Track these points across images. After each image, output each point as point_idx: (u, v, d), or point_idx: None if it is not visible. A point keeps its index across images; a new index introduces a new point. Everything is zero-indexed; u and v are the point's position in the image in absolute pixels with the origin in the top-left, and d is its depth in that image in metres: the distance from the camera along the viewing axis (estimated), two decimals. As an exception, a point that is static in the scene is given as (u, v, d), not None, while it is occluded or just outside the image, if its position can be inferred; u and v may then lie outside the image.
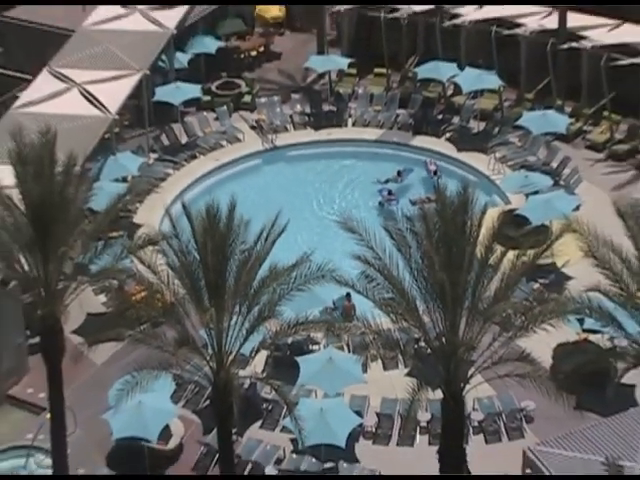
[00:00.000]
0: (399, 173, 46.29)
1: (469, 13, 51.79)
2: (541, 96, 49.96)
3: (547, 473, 30.76)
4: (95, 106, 45.13)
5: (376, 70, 52.93)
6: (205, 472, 33.34)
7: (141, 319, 29.76)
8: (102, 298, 37.85)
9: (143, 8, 51.05)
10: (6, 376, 36.34)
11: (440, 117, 50.02)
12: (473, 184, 32.21)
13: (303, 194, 46.77)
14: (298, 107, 50.94)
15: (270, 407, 35.23)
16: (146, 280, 28.86)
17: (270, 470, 33.36)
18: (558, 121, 47.31)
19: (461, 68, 50.06)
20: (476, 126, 49.22)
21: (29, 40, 50.55)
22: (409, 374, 32.77)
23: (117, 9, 51.18)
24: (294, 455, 33.64)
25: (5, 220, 29.51)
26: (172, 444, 34.16)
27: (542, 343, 29.69)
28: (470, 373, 27.04)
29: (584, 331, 35.23)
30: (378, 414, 35.04)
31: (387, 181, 46.11)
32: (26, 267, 29.53)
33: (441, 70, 50.17)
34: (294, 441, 33.43)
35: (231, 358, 27.79)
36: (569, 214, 39.00)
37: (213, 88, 51.65)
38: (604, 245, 28.27)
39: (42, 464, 33.31)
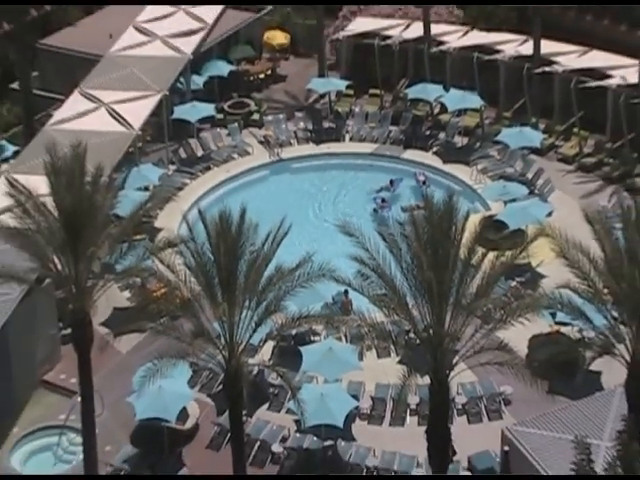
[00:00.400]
0: (391, 182, 46.28)
1: (454, 40, 51.86)
2: (518, 114, 49.86)
3: (523, 451, 30.86)
4: (120, 123, 45.26)
5: (371, 91, 52.83)
6: (218, 449, 33.41)
7: (161, 313, 29.80)
8: (126, 294, 38.03)
9: (163, 36, 51.17)
10: (41, 363, 36.48)
11: (428, 133, 49.96)
12: (457, 193, 32.30)
13: (305, 201, 46.77)
14: (301, 124, 50.92)
15: (276, 391, 35.30)
16: (166, 278, 28.87)
17: (276, 447, 33.39)
18: (533, 137, 47.42)
19: (447, 89, 50.10)
20: (460, 141, 49.18)
21: (62, 65, 50.59)
22: (400, 362, 32.83)
23: (140, 37, 51.36)
24: (297, 434, 33.70)
25: (40, 225, 29.51)
26: (189, 424, 34.25)
27: (519, 334, 29.67)
28: (454, 361, 27.04)
29: (556, 324, 35.33)
30: (372, 398, 35.09)
31: (380, 190, 46.14)
32: (59, 266, 29.48)
33: (429, 91, 50.24)
34: (297, 422, 33.50)
35: (241, 348, 27.81)
36: (543, 220, 39.13)
37: (225, 107, 51.62)
38: (574, 247, 28.25)
39: (73, 442, 33.53)
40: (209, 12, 53.46)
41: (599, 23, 52.86)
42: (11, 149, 46.63)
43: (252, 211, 28.61)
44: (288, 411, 34.39)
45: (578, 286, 28.03)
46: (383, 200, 45.52)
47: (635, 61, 47.08)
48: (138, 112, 46.04)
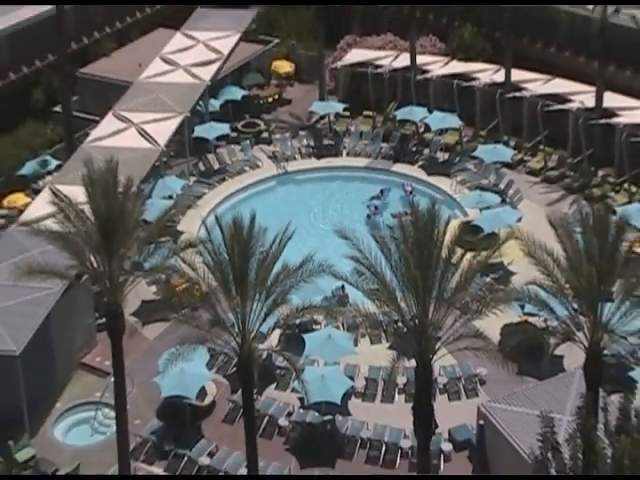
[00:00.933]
0: (381, 192, 46.35)
1: (436, 69, 51.89)
2: (491, 133, 49.93)
3: (496, 424, 30.94)
4: (148, 141, 45.33)
5: (365, 113, 52.83)
6: (232, 423, 33.49)
7: (183, 305, 29.85)
8: (153, 288, 38.06)
9: (185, 65, 51.22)
10: (79, 348, 36.61)
11: (414, 149, 49.99)
12: (439, 201, 32.35)
13: (308, 208, 46.75)
14: (304, 141, 50.99)
15: (282, 373, 35.41)
16: (187, 275, 28.84)
17: (283, 421, 33.45)
18: (504, 152, 47.55)
19: (430, 111, 50.12)
20: (442, 156, 49.21)
21: (98, 90, 50.65)
22: (390, 347, 32.96)
23: (165, 66, 51.43)
24: (301, 410, 33.78)
25: (79, 229, 29.55)
26: (207, 401, 34.36)
27: (492, 324, 29.69)
28: (437, 347, 26.96)
29: (524, 314, 35.39)
30: (366, 378, 35.14)
31: (373, 198, 46.20)
32: (95, 265, 29.47)
33: (415, 113, 50.31)
34: (301, 399, 33.61)
35: (252, 335, 27.76)
36: (513, 224, 39.36)
37: (239, 127, 51.63)
38: (540, 248, 28.29)
39: (107, 416, 33.72)
40: (225, 45, 53.55)
41: (561, 55, 52.81)
42: (54, 163, 46.68)
43: (261, 217, 28.63)
44: (293, 390, 34.53)
45: (543, 282, 28.06)
46: (375, 207, 45.57)
47: (592, 88, 47.25)
48: (163, 131, 46.10)
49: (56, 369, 35.25)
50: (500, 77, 50.08)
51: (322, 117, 52.71)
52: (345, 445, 32.96)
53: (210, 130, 49.26)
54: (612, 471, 21.78)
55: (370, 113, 52.74)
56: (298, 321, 34.11)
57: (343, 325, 36.25)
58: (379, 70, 52.85)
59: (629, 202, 44.15)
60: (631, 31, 47.84)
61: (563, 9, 51.31)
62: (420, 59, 52.18)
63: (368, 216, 45.12)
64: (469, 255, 28.11)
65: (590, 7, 47.41)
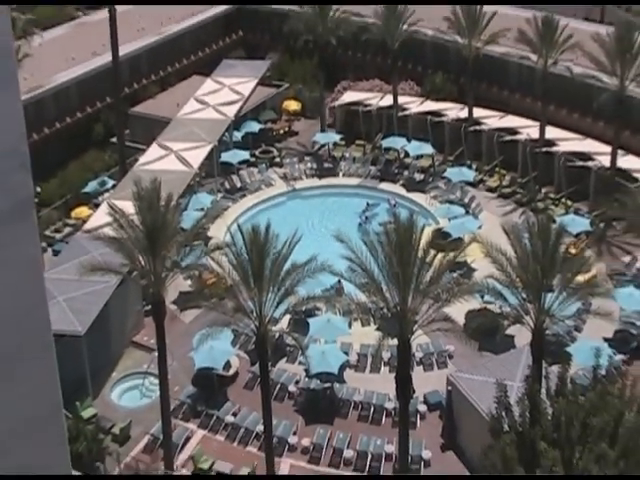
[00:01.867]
0: (367, 204, 46.43)
1: (414, 107, 51.84)
2: (457, 158, 49.82)
3: (462, 390, 30.94)
4: (184, 164, 45.35)
5: (357, 142, 52.77)
6: (251, 389, 33.46)
7: (212, 295, 30.04)
8: (188, 282, 38.12)
9: (214, 104, 51.21)
10: (130, 329, 36.67)
11: (396, 171, 50.01)
12: (416, 212, 32.64)
13: (311, 218, 46.77)
14: (309, 165, 50.96)
15: (291, 349, 35.41)
16: (215, 271, 29.00)
17: (291, 388, 33.48)
18: (468, 174, 47.60)
19: (409, 141, 50.12)
20: (418, 176, 49.18)
21: (145, 125, 50.72)
22: (377, 329, 32.85)
23: (198, 105, 51.41)
24: (306, 379, 33.84)
25: (130, 235, 29.69)
26: (231, 371, 34.46)
27: (458, 310, 29.93)
28: (414, 328, 27.17)
29: (484, 302, 35.35)
30: (358, 354, 35.21)
31: (365, 210, 46.24)
32: (142, 263, 29.62)
33: (396, 142, 50.33)
34: (306, 370, 33.72)
35: (267, 319, 27.91)
36: (475, 231, 39.40)
37: (256, 153, 51.63)
38: (496, 250, 28.44)
39: (152, 383, 33.74)
40: (245, 88, 53.50)
41: (513, 96, 52.77)
42: (111, 183, 46.75)
43: (274, 225, 28.72)
44: (299, 363, 34.56)
45: (499, 276, 28.27)
46: (366, 217, 45.55)
47: (536, 123, 47.25)
48: (196, 157, 46.09)
49: (112, 346, 35.39)
50: (464, 114, 50.09)
51: (323, 145, 52.70)
52: (341, 407, 33.03)
53: (234, 156, 49.30)
54: (552, 426, 21.80)
55: (361, 142, 52.73)
56: (304, 308, 34.19)
57: (339, 311, 36.27)
58: (368, 108, 52.80)
59: (566, 213, 44.18)
60: (567, 79, 48.04)
61: (514, 61, 51.32)
62: (401, 99, 52.17)
63: (360, 224, 45.12)
64: (440, 255, 28.23)
65: (534, 59, 47.43)
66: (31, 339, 2.71)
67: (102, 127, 51.24)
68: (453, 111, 51.10)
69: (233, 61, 57.76)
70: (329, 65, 54.25)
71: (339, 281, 36.02)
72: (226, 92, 53.33)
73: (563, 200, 45.72)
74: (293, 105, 56.60)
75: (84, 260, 32.47)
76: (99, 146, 50.38)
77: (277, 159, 51.62)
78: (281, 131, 55.27)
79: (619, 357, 33.06)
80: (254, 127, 53.07)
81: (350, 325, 35.95)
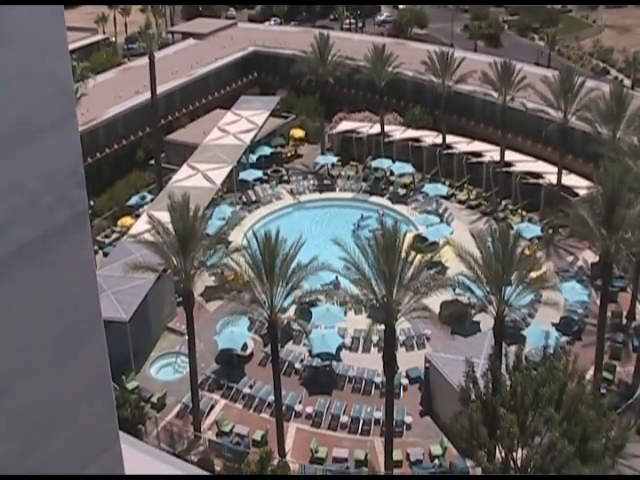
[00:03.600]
0: (361, 216, 46.21)
1: (398, 134, 51.83)
2: (433, 177, 49.83)
3: (437, 366, 30.84)
4: (209, 182, 45.31)
5: (351, 163, 52.72)
6: (264, 366, 33.15)
7: (232, 289, 29.98)
8: (212, 278, 37.99)
9: (234, 132, 51.13)
10: (166, 317, 36.55)
11: (383, 187, 49.89)
12: (400, 221, 32.57)
13: (313, 225, 46.55)
14: (311, 182, 50.85)
15: (297, 333, 35.22)
16: (234, 269, 29.01)
17: (297, 365, 33.24)
18: (442, 189, 47.44)
19: (394, 162, 49.97)
20: (401, 191, 49.02)
21: (178, 149, 50.60)
22: (368, 316, 32.72)
23: (220, 133, 51.27)
24: (309, 357, 33.64)
25: (165, 240, 29.70)
26: (248, 351, 34.27)
27: (434, 301, 29.86)
28: (398, 316, 27.12)
29: (455, 295, 35.11)
30: (352, 337, 35.04)
31: (359, 220, 45.72)
32: (175, 263, 29.56)
33: (383, 163, 50.18)
34: (309, 351, 33.54)
35: (277, 309, 27.89)
36: (448, 236, 39.38)
37: (268, 172, 51.52)
38: (465, 252, 28.39)
39: (184, 361, 33.55)
40: (259, 119, 53.36)
41: (478, 126, 52.91)
42: (150, 197, 46.73)
43: (283, 231, 28.75)
44: (304, 345, 34.45)
45: (468, 273, 28.18)
46: (359, 225, 45.36)
47: (497, 148, 47.22)
48: (219, 176, 46.00)
49: (151, 330, 35.29)
50: (439, 140, 49.99)
51: (323, 166, 52.58)
52: (338, 381, 32.89)
53: (250, 174, 49.19)
54: (510, 395, 21.78)
55: (354, 163, 52.69)
56: (307, 299, 34.18)
57: (337, 302, 36.21)
58: (360, 135, 52.79)
59: (521, 221, 44.06)
60: (521, 112, 48.16)
61: (479, 97, 51.32)
62: (387, 128, 52.09)
63: (354, 231, 44.95)
64: (419, 256, 28.20)
65: (496, 96, 47.52)
66: (86, 324, 2.75)
67: (143, 152, 51.30)
68: (430, 138, 51.03)
69: (249, 97, 57.73)
70: (328, 100, 54.20)
71: (336, 277, 35.85)
72: (243, 122, 53.32)
73: (519, 211, 45.65)
74: (298, 133, 56.57)
75: (128, 260, 32.43)
76: (140, 167, 50.39)
77: (285, 177, 51.49)
78: (289, 154, 55.21)
79: (564, 339, 33.09)
80: (266, 151, 52.96)
81: (345, 313, 35.80)
